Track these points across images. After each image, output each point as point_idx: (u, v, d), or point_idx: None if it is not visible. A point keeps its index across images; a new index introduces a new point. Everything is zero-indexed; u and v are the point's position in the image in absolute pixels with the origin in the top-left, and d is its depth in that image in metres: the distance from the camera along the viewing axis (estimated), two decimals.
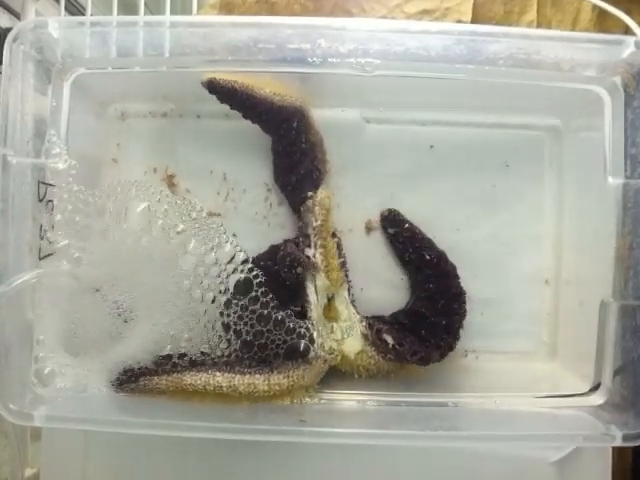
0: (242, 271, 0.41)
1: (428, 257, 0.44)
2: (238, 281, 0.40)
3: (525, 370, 0.46)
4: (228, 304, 0.40)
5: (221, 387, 0.38)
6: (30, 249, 0.38)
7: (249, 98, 0.41)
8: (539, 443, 0.40)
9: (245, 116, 0.43)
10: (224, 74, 0.41)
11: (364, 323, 0.42)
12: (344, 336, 0.41)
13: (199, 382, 0.38)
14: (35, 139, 0.38)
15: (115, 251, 0.40)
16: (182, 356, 0.40)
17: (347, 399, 0.41)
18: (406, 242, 0.44)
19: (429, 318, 0.42)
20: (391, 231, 0.45)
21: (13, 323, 0.37)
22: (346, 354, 0.41)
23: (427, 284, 0.43)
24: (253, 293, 0.41)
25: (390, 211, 0.45)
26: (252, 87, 0.41)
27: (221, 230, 0.41)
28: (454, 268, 0.43)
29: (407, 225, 0.44)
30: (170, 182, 0.46)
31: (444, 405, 0.40)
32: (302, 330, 0.40)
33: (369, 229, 0.46)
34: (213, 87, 0.41)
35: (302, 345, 0.40)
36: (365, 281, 0.46)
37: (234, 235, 0.42)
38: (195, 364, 0.40)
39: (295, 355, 0.40)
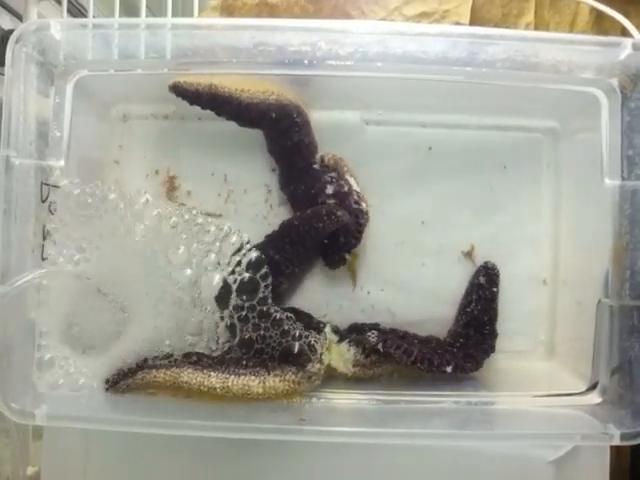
0: (247, 270, 0.41)
1: (483, 324, 0.44)
2: (241, 280, 0.41)
3: (523, 369, 0.46)
4: (228, 303, 0.41)
5: (215, 388, 0.38)
6: (33, 249, 0.39)
7: (214, 98, 0.41)
8: (537, 442, 0.40)
9: (218, 114, 0.42)
10: (191, 76, 0.41)
11: (352, 350, 0.42)
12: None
13: (194, 381, 0.38)
14: (38, 140, 0.39)
15: (116, 250, 0.40)
16: (181, 354, 0.40)
17: (347, 398, 0.41)
18: (481, 299, 0.44)
19: (435, 351, 0.43)
20: (481, 280, 0.45)
21: (15, 322, 0.37)
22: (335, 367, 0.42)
23: (461, 338, 0.44)
24: (255, 293, 0.41)
25: (493, 267, 0.45)
26: (216, 86, 0.41)
27: (223, 230, 0.41)
28: (490, 350, 0.44)
29: (495, 289, 0.45)
30: (171, 184, 0.46)
31: (443, 404, 0.41)
32: (299, 332, 0.41)
33: (467, 254, 0.46)
34: (178, 90, 0.41)
35: (301, 349, 0.40)
36: (365, 281, 0.46)
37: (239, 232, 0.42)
38: (193, 362, 0.40)
39: (294, 360, 0.40)
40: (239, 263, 0.41)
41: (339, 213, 0.42)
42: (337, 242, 0.43)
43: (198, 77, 0.41)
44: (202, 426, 0.36)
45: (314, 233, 0.42)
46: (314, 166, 0.43)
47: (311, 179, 0.43)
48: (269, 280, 0.41)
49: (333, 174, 0.43)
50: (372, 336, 0.42)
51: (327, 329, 0.42)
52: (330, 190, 0.43)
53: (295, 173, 0.44)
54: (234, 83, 0.41)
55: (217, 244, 0.41)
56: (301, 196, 0.44)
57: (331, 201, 0.43)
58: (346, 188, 0.43)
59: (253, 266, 0.41)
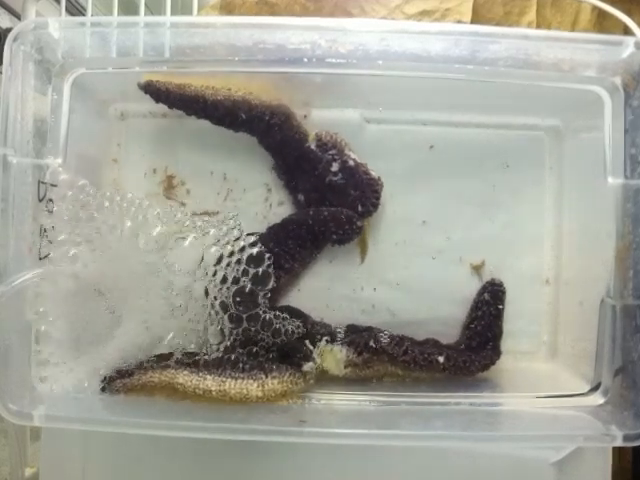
0: (240, 270, 0.41)
1: (487, 340, 0.44)
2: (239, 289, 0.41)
3: (525, 370, 0.46)
4: (226, 306, 0.40)
5: (210, 391, 0.38)
6: (30, 249, 0.38)
7: (182, 97, 0.41)
8: (539, 443, 0.40)
9: (188, 114, 0.43)
10: (161, 76, 0.41)
11: (344, 351, 0.41)
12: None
13: (189, 384, 0.38)
14: (35, 139, 0.38)
15: (113, 250, 0.40)
16: (177, 354, 0.40)
17: (347, 399, 0.41)
18: (485, 315, 0.44)
19: (434, 355, 0.42)
20: (486, 296, 0.45)
21: (13, 323, 0.37)
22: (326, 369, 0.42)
23: (461, 344, 0.44)
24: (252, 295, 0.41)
25: (500, 284, 0.45)
26: (184, 85, 0.41)
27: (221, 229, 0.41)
28: (489, 362, 0.43)
29: (500, 306, 0.45)
30: (169, 182, 0.46)
31: (445, 405, 0.40)
32: (291, 329, 0.41)
33: (476, 268, 0.46)
34: (149, 89, 0.41)
35: (295, 346, 0.41)
36: (366, 281, 0.46)
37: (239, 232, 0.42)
38: (189, 363, 0.40)
39: (290, 359, 0.40)
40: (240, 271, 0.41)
41: (359, 223, 0.42)
42: (355, 211, 0.43)
43: (170, 77, 0.41)
44: (201, 428, 0.36)
45: (328, 236, 0.42)
46: (311, 148, 0.43)
47: (311, 162, 0.43)
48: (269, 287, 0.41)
49: (332, 151, 0.43)
50: (366, 335, 0.42)
51: (322, 343, 0.42)
52: (335, 167, 0.43)
53: (292, 162, 0.44)
54: (207, 82, 0.41)
55: (217, 246, 0.41)
56: (304, 181, 0.44)
57: (339, 177, 0.43)
58: (351, 162, 0.43)
59: (260, 281, 0.41)
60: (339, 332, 0.43)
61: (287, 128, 0.42)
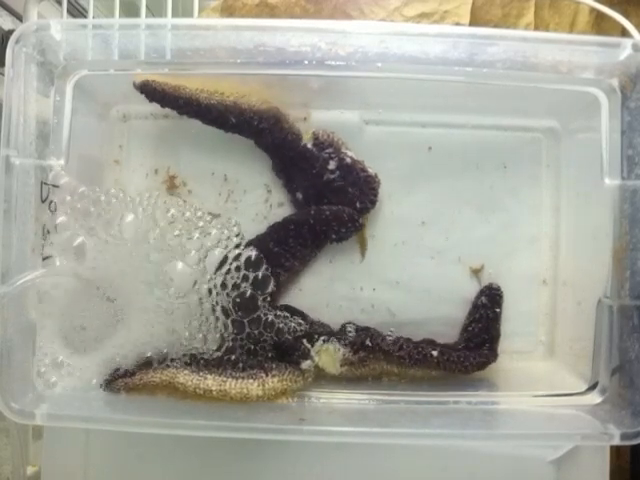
0: (242, 269, 0.41)
1: (483, 342, 0.44)
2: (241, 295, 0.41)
3: (523, 369, 0.46)
4: (226, 310, 0.41)
5: (211, 391, 0.38)
6: (33, 249, 0.39)
7: (176, 98, 0.42)
8: (537, 442, 0.40)
9: (180, 114, 0.43)
10: (156, 76, 0.41)
11: (340, 349, 0.42)
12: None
13: (190, 383, 0.38)
14: (38, 140, 0.39)
15: (115, 251, 0.40)
16: (177, 354, 0.41)
17: (347, 398, 0.41)
18: (482, 318, 0.44)
19: (428, 349, 0.42)
20: (483, 300, 0.45)
21: (15, 322, 0.37)
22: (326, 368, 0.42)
23: (459, 345, 0.44)
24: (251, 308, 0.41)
25: (498, 288, 0.45)
26: (179, 87, 0.41)
27: (221, 231, 0.42)
28: (485, 362, 0.43)
29: (497, 309, 0.45)
30: (171, 183, 0.46)
31: (444, 404, 0.41)
32: (294, 325, 0.42)
33: (475, 272, 0.46)
34: (145, 89, 0.42)
35: (294, 345, 0.41)
36: (365, 281, 0.46)
37: (238, 235, 0.43)
38: (190, 363, 0.40)
39: (289, 357, 0.41)
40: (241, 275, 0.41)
41: (361, 220, 0.43)
42: (354, 209, 0.43)
43: (164, 77, 0.41)
44: (202, 426, 0.36)
45: (330, 234, 0.43)
46: (307, 147, 0.43)
47: (308, 160, 0.43)
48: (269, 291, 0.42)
49: (329, 150, 0.43)
50: (362, 335, 0.43)
51: (319, 342, 0.42)
52: (332, 165, 0.43)
53: (288, 161, 0.44)
54: (202, 83, 0.42)
55: (220, 247, 0.41)
56: (301, 179, 0.44)
57: (336, 174, 0.43)
58: (348, 160, 0.43)
59: (260, 285, 0.41)
60: (350, 331, 0.43)
61: (277, 130, 0.43)
